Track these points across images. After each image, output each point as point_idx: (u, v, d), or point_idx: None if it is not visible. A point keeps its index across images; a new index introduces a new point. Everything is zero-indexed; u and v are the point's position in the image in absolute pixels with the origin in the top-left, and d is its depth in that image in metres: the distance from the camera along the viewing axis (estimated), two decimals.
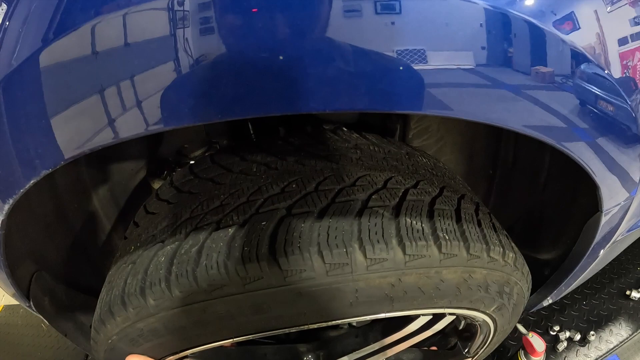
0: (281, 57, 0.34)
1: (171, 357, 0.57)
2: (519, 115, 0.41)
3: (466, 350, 0.79)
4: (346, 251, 0.44)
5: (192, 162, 0.70)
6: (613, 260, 1.35)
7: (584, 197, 0.63)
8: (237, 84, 0.35)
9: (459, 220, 0.52)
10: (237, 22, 0.33)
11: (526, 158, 0.79)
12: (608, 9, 0.41)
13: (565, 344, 1.15)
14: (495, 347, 0.84)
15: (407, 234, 0.47)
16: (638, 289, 1.26)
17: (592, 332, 1.16)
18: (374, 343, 0.62)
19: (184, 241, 0.49)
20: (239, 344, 0.75)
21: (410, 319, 0.62)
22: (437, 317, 0.62)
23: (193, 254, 0.46)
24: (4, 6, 0.34)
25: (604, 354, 1.14)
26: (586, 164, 0.48)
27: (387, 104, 0.37)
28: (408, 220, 0.48)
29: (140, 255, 0.53)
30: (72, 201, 0.77)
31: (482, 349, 0.79)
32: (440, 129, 0.84)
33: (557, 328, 1.18)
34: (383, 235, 0.46)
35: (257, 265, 0.44)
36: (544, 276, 0.81)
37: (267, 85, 0.35)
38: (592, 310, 1.24)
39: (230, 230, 0.47)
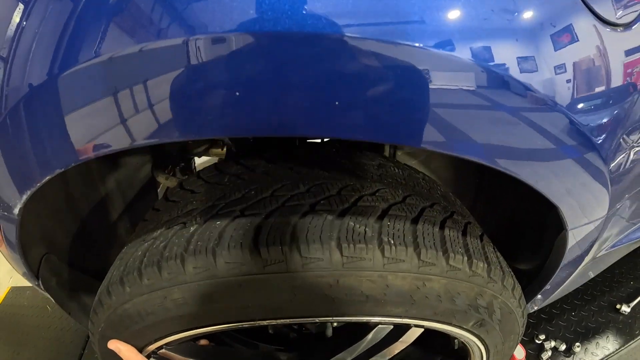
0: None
1: (149, 346, 0.60)
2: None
3: None
4: (282, 249, 0.46)
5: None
6: (605, 272, 1.36)
7: (555, 213, 0.59)
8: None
9: (414, 225, 0.51)
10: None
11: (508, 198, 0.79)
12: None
13: (549, 353, 1.13)
14: None
15: (346, 236, 0.47)
16: (629, 303, 1.23)
17: (577, 344, 1.14)
18: (343, 351, 0.61)
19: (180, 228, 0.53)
20: (216, 343, 0.76)
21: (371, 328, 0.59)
22: (402, 328, 0.59)
23: (160, 248, 0.51)
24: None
25: None
26: (535, 185, 0.48)
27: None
28: (352, 223, 0.48)
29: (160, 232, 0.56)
30: (81, 191, 0.83)
31: None
32: None
33: (542, 337, 1.16)
34: (320, 236, 0.46)
35: (176, 263, 0.47)
36: (522, 285, 0.85)
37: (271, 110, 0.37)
38: (580, 321, 1.21)
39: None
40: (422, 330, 0.58)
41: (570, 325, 1.21)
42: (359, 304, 0.51)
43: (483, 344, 0.65)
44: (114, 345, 0.62)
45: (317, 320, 0.52)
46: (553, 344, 1.16)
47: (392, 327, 0.58)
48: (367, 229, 0.49)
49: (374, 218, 0.50)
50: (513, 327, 0.66)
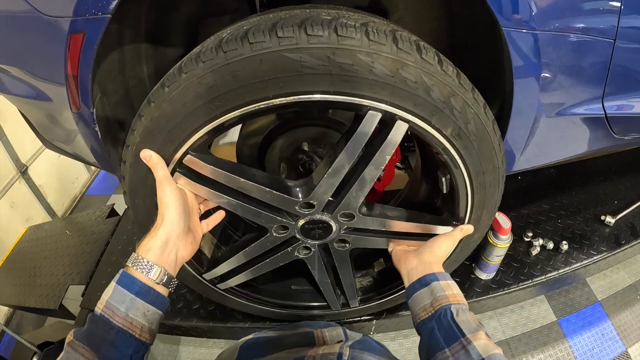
0: None
1: (176, 154, 0.71)
2: None
3: (454, 216, 0.86)
4: (293, 28, 0.62)
5: None
6: (590, 191, 1.46)
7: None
8: None
9: (393, 32, 0.65)
10: None
11: (472, 35, 0.95)
12: None
13: (538, 249, 1.22)
14: (486, 224, 0.89)
15: (340, 24, 0.63)
16: (614, 215, 1.32)
17: (564, 242, 1.22)
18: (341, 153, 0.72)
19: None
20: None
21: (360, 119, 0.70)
22: (387, 124, 0.70)
23: (197, 51, 0.66)
24: None
25: (576, 266, 1.20)
26: None
27: None
28: (344, 20, 0.64)
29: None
30: (132, 65, 1.03)
31: (468, 212, 0.85)
32: (413, 24, 1.04)
33: (530, 234, 1.26)
34: (321, 22, 0.62)
35: (211, 51, 0.63)
36: None
37: None
38: (567, 228, 1.30)
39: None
40: (408, 126, 0.70)
41: (557, 230, 1.29)
42: (352, 80, 0.64)
43: (465, 166, 0.75)
44: (146, 153, 0.68)
45: (318, 97, 0.66)
46: (541, 241, 1.23)
47: (380, 115, 0.69)
48: (356, 24, 0.64)
49: (360, 22, 0.66)
50: (490, 154, 0.76)
